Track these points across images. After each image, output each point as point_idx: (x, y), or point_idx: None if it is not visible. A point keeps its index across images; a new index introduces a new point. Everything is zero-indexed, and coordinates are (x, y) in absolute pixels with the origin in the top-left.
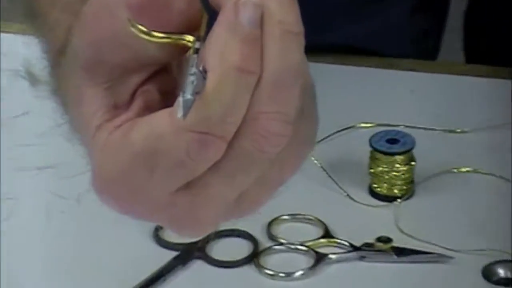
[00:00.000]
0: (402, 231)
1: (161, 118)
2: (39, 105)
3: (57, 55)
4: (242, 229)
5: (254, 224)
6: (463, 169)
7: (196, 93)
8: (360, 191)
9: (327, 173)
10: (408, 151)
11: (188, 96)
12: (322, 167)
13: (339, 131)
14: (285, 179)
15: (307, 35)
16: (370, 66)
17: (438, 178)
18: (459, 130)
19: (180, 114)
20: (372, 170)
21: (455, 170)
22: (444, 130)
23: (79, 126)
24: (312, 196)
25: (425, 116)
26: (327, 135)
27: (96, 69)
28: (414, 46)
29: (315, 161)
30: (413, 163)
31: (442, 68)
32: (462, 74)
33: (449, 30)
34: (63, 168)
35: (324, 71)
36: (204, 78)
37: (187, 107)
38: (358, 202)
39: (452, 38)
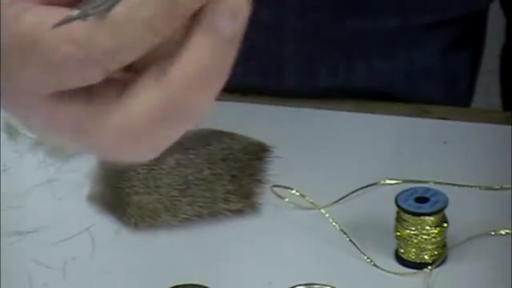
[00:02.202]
0: None
1: (56, 12)
2: (20, 161)
3: None
4: None
5: None
6: (503, 232)
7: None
8: (385, 257)
9: (347, 236)
10: (440, 211)
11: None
12: (341, 229)
13: (360, 188)
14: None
15: (324, 77)
16: (395, 114)
17: (474, 242)
18: (498, 187)
19: (74, 14)
20: (398, 233)
21: (493, 233)
22: (481, 187)
23: None
24: (330, 263)
25: (459, 171)
26: (347, 193)
27: None
28: (445, 90)
29: (334, 223)
30: (445, 225)
31: (478, 116)
32: (501, 123)
33: (485, 72)
34: (47, 233)
35: (343, 120)
36: None
37: (83, 14)
38: (383, 270)
39: (488, 80)
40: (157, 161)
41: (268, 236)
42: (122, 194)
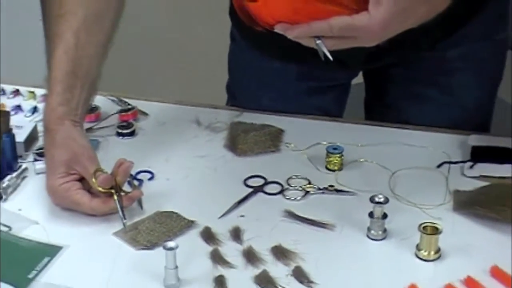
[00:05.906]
0: (338, 183)
1: None
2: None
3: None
4: (278, 181)
5: (280, 179)
6: (361, 160)
7: None
8: (322, 167)
9: (309, 160)
10: (341, 152)
11: None
12: (308, 158)
13: (316, 144)
14: None
15: None
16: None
17: (352, 163)
18: (359, 144)
19: None
20: (327, 159)
21: (362, 160)
22: (354, 145)
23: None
24: (305, 170)
25: (347, 139)
26: (310, 145)
27: None
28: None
29: (306, 157)
30: (342, 157)
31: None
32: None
33: None
34: (214, 159)
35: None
36: None
37: None
38: (321, 171)
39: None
40: (247, 133)
41: (282, 160)
42: (236, 142)
